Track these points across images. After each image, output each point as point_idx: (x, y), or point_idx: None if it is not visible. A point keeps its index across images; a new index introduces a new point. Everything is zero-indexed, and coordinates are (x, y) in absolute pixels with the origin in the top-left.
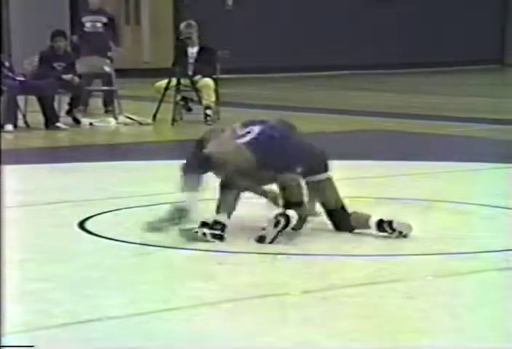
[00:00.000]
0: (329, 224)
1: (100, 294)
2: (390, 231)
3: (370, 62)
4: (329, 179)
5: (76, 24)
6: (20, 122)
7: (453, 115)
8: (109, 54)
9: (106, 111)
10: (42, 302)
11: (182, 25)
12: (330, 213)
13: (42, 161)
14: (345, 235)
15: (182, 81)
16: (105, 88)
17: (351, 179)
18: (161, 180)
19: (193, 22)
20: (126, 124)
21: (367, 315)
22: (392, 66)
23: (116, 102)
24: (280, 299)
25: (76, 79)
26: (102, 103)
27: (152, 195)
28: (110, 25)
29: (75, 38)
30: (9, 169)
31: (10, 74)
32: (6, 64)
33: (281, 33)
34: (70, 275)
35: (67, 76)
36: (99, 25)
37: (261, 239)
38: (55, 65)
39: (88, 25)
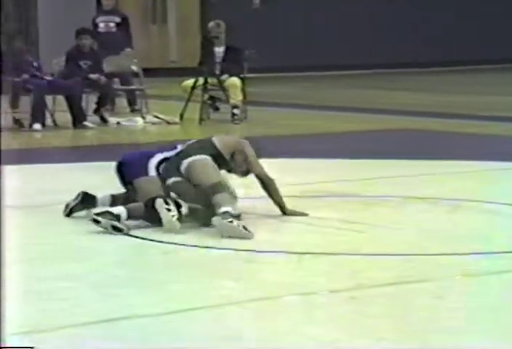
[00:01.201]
0: (355, 223)
1: (126, 293)
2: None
3: (395, 61)
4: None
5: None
6: (48, 121)
7: (478, 113)
8: (122, 53)
9: (132, 110)
10: (68, 301)
11: (211, 25)
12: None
13: (70, 159)
14: (373, 234)
15: (210, 80)
16: (132, 87)
17: (380, 178)
18: None
19: (221, 22)
20: (153, 123)
21: (395, 315)
22: (416, 65)
23: (143, 101)
24: (307, 298)
25: (103, 78)
26: (127, 103)
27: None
28: (124, 25)
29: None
30: (37, 168)
31: (38, 74)
32: (35, 64)
33: (306, 31)
34: (96, 274)
35: (93, 76)
36: (112, 25)
37: None
38: (81, 63)
39: (101, 25)
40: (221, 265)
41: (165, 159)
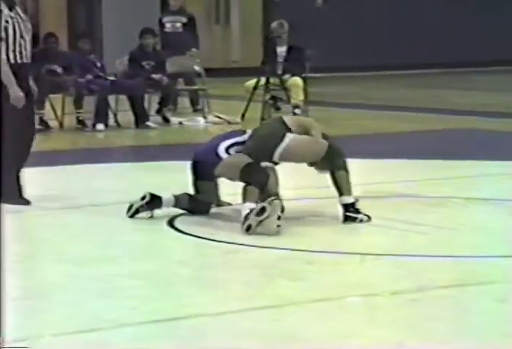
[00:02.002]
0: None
1: (188, 292)
2: None
3: (456, 61)
4: None
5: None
6: (111, 121)
7: None
8: (188, 53)
9: (195, 110)
10: (132, 299)
11: (274, 25)
12: None
13: (132, 159)
14: (435, 236)
15: (272, 80)
16: (195, 87)
17: (442, 179)
18: None
19: (284, 22)
20: (215, 123)
21: (457, 318)
22: (477, 64)
23: (205, 101)
24: (368, 300)
25: (165, 79)
26: (189, 102)
27: (237, 194)
28: (190, 25)
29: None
30: (101, 168)
31: (101, 74)
32: (98, 64)
33: (369, 31)
34: (159, 273)
35: (156, 76)
36: (178, 25)
37: (248, 228)
38: (144, 63)
39: (168, 25)
40: (281, 265)
41: (236, 143)
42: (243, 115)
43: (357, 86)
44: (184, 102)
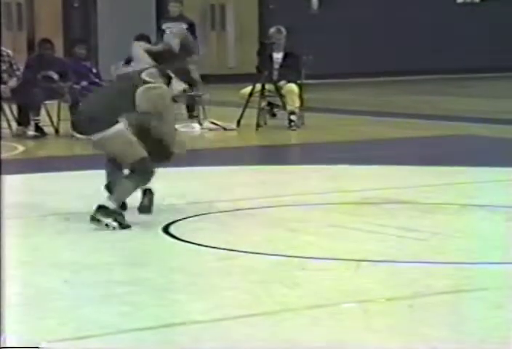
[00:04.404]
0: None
1: (184, 299)
2: None
3: (454, 67)
4: None
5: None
6: None
7: None
8: (189, 59)
9: (190, 117)
10: (127, 305)
11: (272, 31)
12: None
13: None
14: (431, 242)
15: (267, 86)
16: (191, 93)
17: (437, 186)
18: (244, 185)
19: (282, 28)
20: (210, 130)
21: (453, 324)
22: (477, 70)
23: (200, 107)
24: (365, 306)
25: None
26: (185, 109)
27: (234, 200)
28: (190, 31)
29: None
30: (95, 174)
31: (97, 80)
32: (93, 70)
33: (364, 37)
34: (154, 279)
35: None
36: None
37: None
38: None
39: (168, 31)
40: (277, 271)
41: None
42: (238, 122)
43: (352, 93)
44: (180, 108)
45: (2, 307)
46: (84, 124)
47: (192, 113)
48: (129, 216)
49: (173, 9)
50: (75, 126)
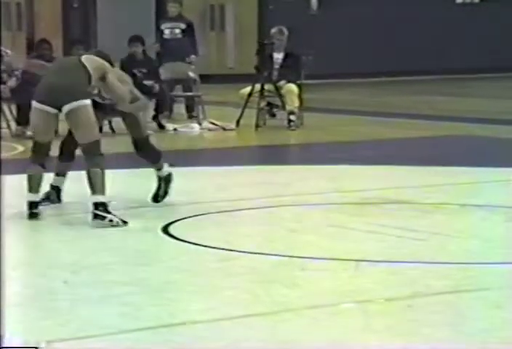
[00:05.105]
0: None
1: (183, 299)
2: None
3: (455, 67)
4: None
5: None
6: (106, 128)
7: None
8: (188, 59)
9: (190, 117)
10: (126, 306)
11: (274, 31)
12: None
13: (126, 166)
14: (431, 242)
15: (266, 86)
16: (190, 94)
17: (436, 186)
18: (242, 186)
19: (284, 28)
20: (209, 130)
21: (453, 324)
22: (477, 70)
23: (200, 107)
24: (364, 306)
25: (157, 86)
26: (185, 109)
27: (234, 200)
28: (189, 31)
29: (158, 45)
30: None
31: None
32: None
33: (364, 37)
34: (153, 279)
35: (148, 83)
36: (177, 31)
37: None
38: (135, 71)
39: (167, 31)
40: (277, 271)
41: None
42: (238, 122)
43: (352, 93)
44: (180, 108)
45: (2, 307)
46: (53, 96)
47: (191, 113)
48: (129, 216)
49: (172, 9)
50: (40, 100)
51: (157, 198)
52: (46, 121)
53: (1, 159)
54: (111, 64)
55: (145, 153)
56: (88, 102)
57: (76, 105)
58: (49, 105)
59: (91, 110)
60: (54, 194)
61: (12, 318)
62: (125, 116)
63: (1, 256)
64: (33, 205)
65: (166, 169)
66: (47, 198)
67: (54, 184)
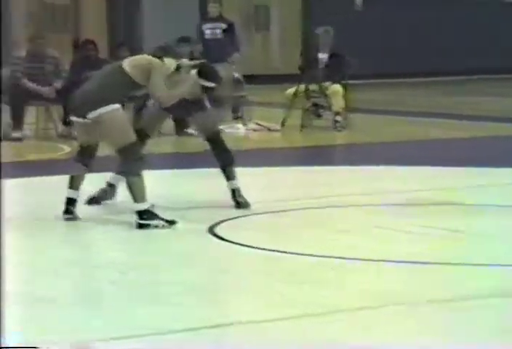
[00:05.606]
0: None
1: (230, 299)
2: None
3: (497, 66)
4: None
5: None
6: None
7: None
8: (229, 59)
9: (235, 118)
10: (173, 306)
11: (319, 31)
12: None
13: (173, 166)
14: (474, 243)
15: (311, 87)
16: (235, 94)
17: (479, 187)
18: (288, 186)
19: (330, 28)
20: (254, 130)
21: (501, 328)
22: None
23: (244, 108)
24: (408, 308)
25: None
26: (230, 110)
27: (279, 201)
28: (230, 31)
29: (200, 46)
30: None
31: None
32: None
33: (408, 37)
34: (200, 280)
35: None
36: (218, 31)
37: None
38: None
39: (208, 32)
40: (322, 273)
41: None
42: (283, 122)
43: (397, 93)
44: (226, 109)
45: (2, 308)
46: (78, 105)
47: (236, 114)
48: (175, 217)
49: (212, 9)
50: (69, 109)
51: (239, 206)
52: (81, 128)
53: (10, 162)
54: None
55: (219, 152)
56: (115, 106)
57: (99, 113)
58: (75, 116)
59: (119, 113)
60: (110, 191)
61: (59, 318)
62: (193, 114)
63: (1, 256)
64: (70, 201)
65: (236, 182)
66: (102, 195)
67: (112, 182)
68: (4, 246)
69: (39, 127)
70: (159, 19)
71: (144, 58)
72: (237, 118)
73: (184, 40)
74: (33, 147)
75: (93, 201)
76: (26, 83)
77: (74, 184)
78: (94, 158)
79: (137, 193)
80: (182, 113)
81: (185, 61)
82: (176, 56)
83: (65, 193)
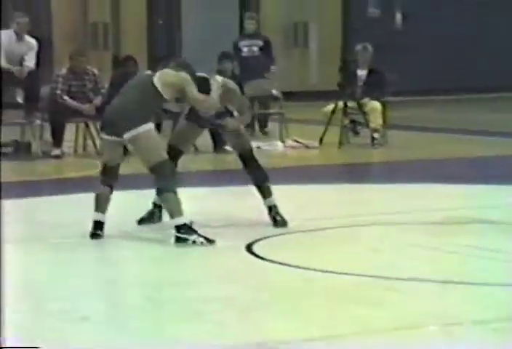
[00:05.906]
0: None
1: (268, 317)
2: None
3: None
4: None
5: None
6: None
7: None
8: (267, 75)
9: (263, 133)
10: (211, 323)
11: (358, 48)
12: None
13: (210, 184)
14: None
15: (350, 103)
16: (273, 111)
17: None
18: (325, 204)
19: (368, 45)
20: (292, 147)
21: None
22: None
23: (283, 125)
24: (451, 329)
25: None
26: (257, 124)
27: (317, 219)
28: (266, 48)
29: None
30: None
31: None
32: None
33: (446, 53)
34: (238, 297)
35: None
36: (255, 49)
37: None
38: None
39: (245, 49)
40: (361, 292)
41: None
42: (321, 140)
43: (436, 110)
44: (254, 124)
45: (2, 308)
46: (113, 123)
47: (264, 129)
48: (212, 235)
49: (249, 26)
50: (101, 127)
51: (276, 224)
52: (110, 147)
53: (50, 179)
54: (193, 74)
55: (251, 170)
56: (148, 126)
57: (135, 133)
58: (109, 135)
59: (152, 133)
60: (158, 213)
61: (96, 336)
62: (226, 129)
63: (1, 256)
64: (97, 224)
65: (273, 199)
66: (151, 216)
67: (158, 202)
68: (3, 247)
69: (78, 144)
70: (199, 34)
71: (173, 74)
72: (265, 133)
73: (226, 56)
74: (72, 165)
75: (142, 222)
76: (66, 101)
77: (100, 206)
78: (117, 178)
79: (173, 208)
80: (212, 124)
81: (218, 77)
82: (192, 71)
83: (92, 215)
